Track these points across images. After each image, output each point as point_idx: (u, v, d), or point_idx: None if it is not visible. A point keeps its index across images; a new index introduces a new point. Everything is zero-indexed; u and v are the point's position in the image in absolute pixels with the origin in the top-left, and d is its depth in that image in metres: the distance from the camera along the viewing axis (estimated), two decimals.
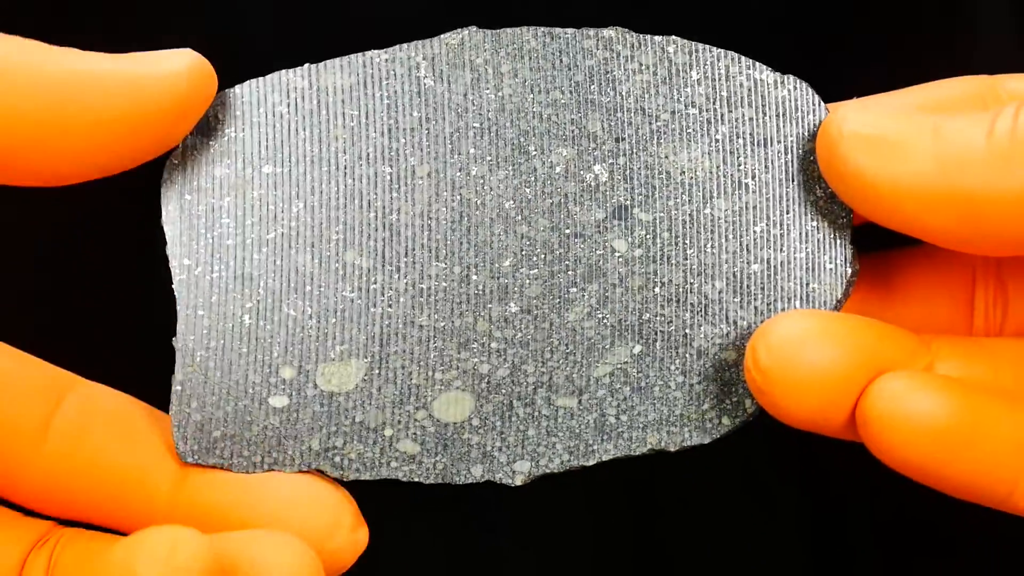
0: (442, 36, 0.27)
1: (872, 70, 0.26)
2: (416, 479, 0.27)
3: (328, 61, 0.27)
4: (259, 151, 0.27)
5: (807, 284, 0.27)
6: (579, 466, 0.28)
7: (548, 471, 0.27)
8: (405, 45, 0.27)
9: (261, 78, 0.27)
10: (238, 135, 0.27)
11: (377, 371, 0.27)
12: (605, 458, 0.27)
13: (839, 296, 0.27)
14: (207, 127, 0.27)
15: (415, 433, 0.27)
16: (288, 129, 0.27)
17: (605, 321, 0.27)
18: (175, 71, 0.25)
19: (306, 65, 0.27)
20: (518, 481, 0.28)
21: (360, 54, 0.27)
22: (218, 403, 0.27)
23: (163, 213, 0.27)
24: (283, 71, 0.27)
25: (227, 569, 0.23)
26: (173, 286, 0.27)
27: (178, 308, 0.27)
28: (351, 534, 0.26)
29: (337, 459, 0.27)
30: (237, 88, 0.27)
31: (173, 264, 0.27)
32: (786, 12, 0.31)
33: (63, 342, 0.29)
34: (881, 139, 0.24)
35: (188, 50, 0.26)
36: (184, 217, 0.27)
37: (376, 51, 0.27)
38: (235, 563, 0.23)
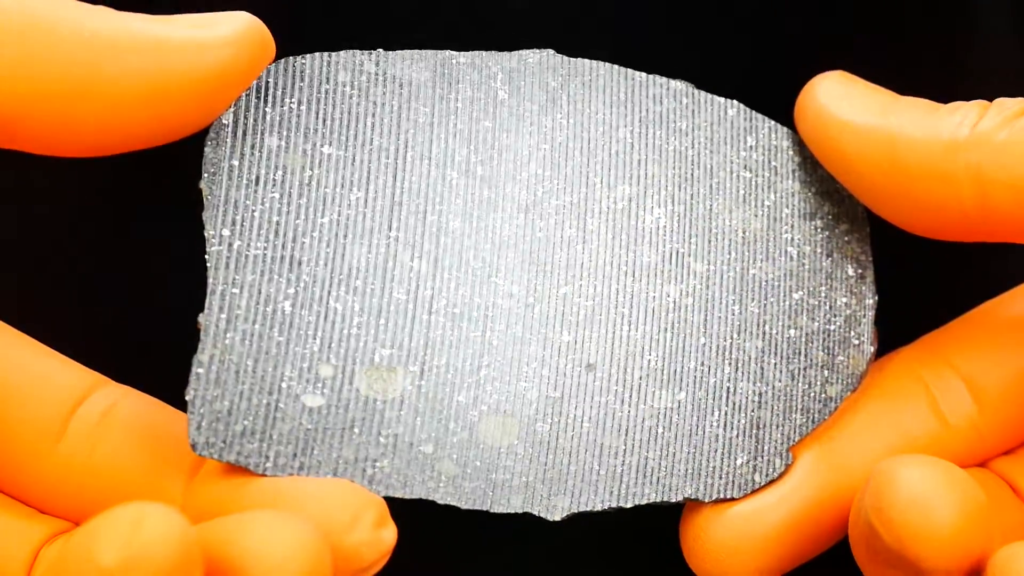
0: (520, 52, 0.27)
1: (872, 70, 0.28)
2: (452, 502, 0.25)
3: (402, 51, 0.26)
4: (320, 129, 0.25)
5: (835, 356, 0.27)
6: (617, 507, 0.26)
7: (587, 509, 0.26)
8: (483, 52, 0.27)
9: (331, 53, 0.26)
10: (299, 108, 0.25)
11: (423, 383, 0.25)
12: (643, 502, 0.26)
13: (861, 370, 0.28)
14: (264, 92, 0.25)
15: (455, 454, 0.25)
16: (354, 112, 0.25)
17: (653, 365, 0.26)
18: (225, 38, 0.23)
19: (379, 50, 0.26)
20: (557, 516, 0.25)
21: (436, 51, 0.26)
22: (244, 393, 0.24)
23: (203, 174, 0.25)
24: (354, 51, 0.26)
25: (212, 555, 0.20)
26: (206, 256, 0.24)
27: (209, 282, 0.24)
28: (375, 530, 0.23)
29: (370, 472, 0.25)
30: (305, 58, 0.25)
31: (209, 232, 0.24)
32: (785, 12, 0.32)
33: (71, 321, 0.25)
34: (850, 94, 0.27)
35: (244, 13, 0.24)
36: (225, 182, 0.25)
37: (453, 51, 0.27)
38: (223, 550, 0.20)
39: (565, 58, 0.27)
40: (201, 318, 0.24)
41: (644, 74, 0.28)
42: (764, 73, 0.29)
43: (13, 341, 0.24)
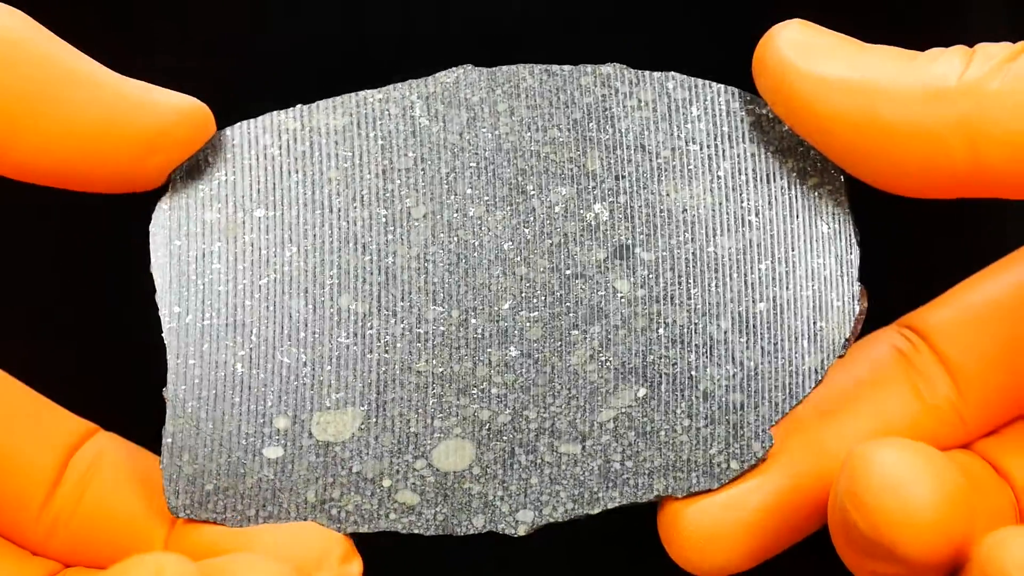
0: (437, 75, 0.27)
1: None
2: (416, 531, 0.26)
3: (320, 102, 0.27)
4: (251, 194, 0.27)
5: (814, 323, 0.26)
6: (584, 515, 0.26)
7: (552, 520, 0.26)
8: (399, 84, 0.27)
9: (252, 120, 0.27)
10: (229, 178, 0.27)
11: (374, 419, 0.26)
12: (611, 506, 0.26)
13: (847, 335, 0.26)
14: (197, 170, 0.27)
15: (414, 483, 0.26)
16: (280, 171, 0.27)
17: (608, 364, 0.26)
18: (171, 105, 0.25)
19: (298, 106, 0.27)
20: (521, 531, 0.26)
21: (353, 94, 0.27)
22: (210, 455, 0.26)
23: (152, 260, 0.27)
24: (274, 112, 0.27)
25: None
26: (163, 335, 0.27)
27: (168, 357, 0.26)
28: (341, 567, 0.25)
29: (334, 511, 0.26)
30: (228, 130, 0.27)
31: (163, 312, 0.27)
32: (784, 11, 0.30)
33: (52, 389, 0.28)
34: (813, 45, 0.25)
35: (194, 99, 0.26)
36: (174, 263, 0.27)
37: (369, 91, 0.27)
38: None
39: (485, 70, 0.27)
40: (165, 392, 0.26)
41: (569, 67, 0.27)
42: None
43: (10, 390, 0.27)
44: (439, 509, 0.26)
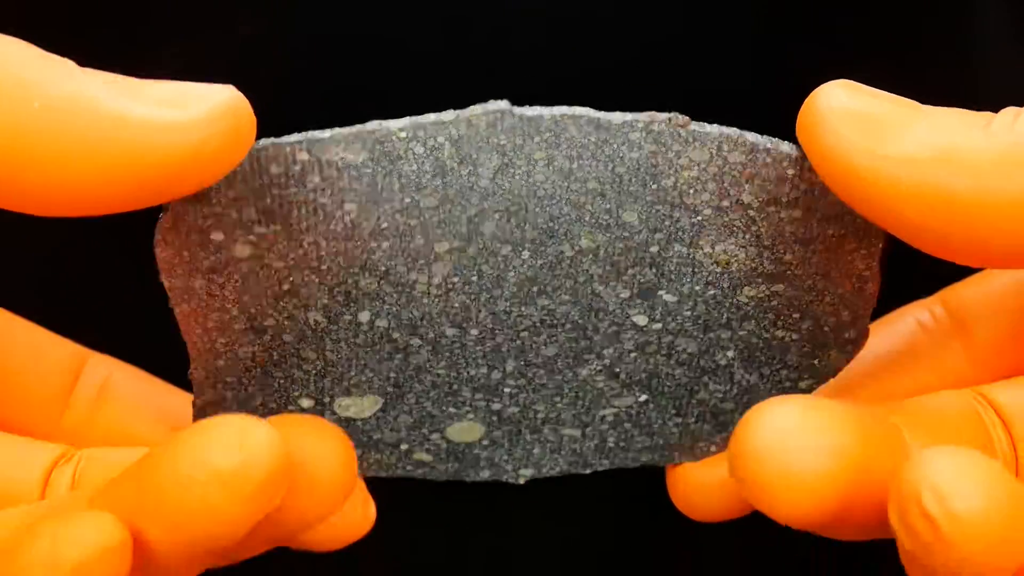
0: (470, 114, 0.24)
1: (873, 73, 0.24)
2: (430, 478, 0.29)
3: (335, 131, 0.24)
4: (262, 218, 0.25)
5: (815, 358, 0.27)
6: (576, 473, 0.30)
7: (549, 475, 0.30)
8: (427, 121, 0.24)
9: (256, 146, 0.24)
10: (238, 202, 0.24)
11: (393, 405, 0.28)
12: (600, 469, 0.29)
13: (842, 366, 0.27)
14: (199, 193, 0.24)
15: (429, 448, 0.29)
16: (293, 200, 0.24)
17: (616, 377, 0.27)
18: (194, 120, 0.21)
19: (308, 134, 0.24)
20: (521, 481, 0.30)
21: (372, 125, 0.24)
22: None
23: (160, 271, 0.25)
24: (281, 140, 0.24)
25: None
26: (182, 332, 0.27)
27: (189, 351, 0.27)
28: (362, 507, 0.26)
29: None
30: None
31: (179, 314, 0.26)
32: (786, 13, 0.26)
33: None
34: (869, 116, 0.22)
35: (227, 91, 0.22)
36: (184, 275, 0.25)
37: (391, 123, 0.24)
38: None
39: (525, 116, 0.24)
40: (191, 374, 0.27)
41: (619, 118, 0.24)
42: (764, 96, 0.26)
43: (6, 319, 0.26)
44: (450, 465, 0.29)
